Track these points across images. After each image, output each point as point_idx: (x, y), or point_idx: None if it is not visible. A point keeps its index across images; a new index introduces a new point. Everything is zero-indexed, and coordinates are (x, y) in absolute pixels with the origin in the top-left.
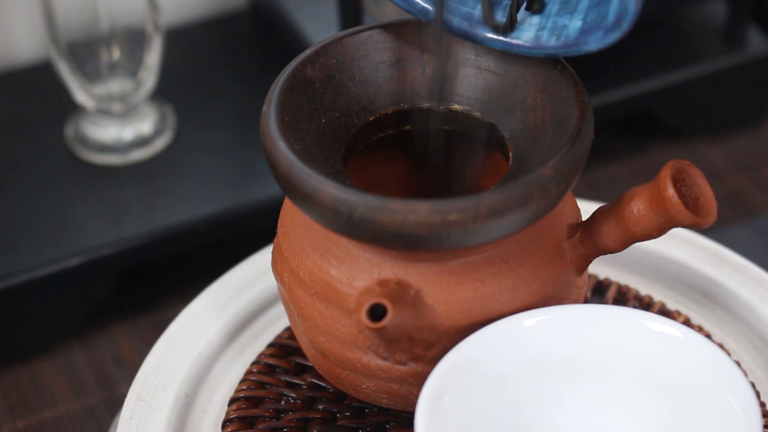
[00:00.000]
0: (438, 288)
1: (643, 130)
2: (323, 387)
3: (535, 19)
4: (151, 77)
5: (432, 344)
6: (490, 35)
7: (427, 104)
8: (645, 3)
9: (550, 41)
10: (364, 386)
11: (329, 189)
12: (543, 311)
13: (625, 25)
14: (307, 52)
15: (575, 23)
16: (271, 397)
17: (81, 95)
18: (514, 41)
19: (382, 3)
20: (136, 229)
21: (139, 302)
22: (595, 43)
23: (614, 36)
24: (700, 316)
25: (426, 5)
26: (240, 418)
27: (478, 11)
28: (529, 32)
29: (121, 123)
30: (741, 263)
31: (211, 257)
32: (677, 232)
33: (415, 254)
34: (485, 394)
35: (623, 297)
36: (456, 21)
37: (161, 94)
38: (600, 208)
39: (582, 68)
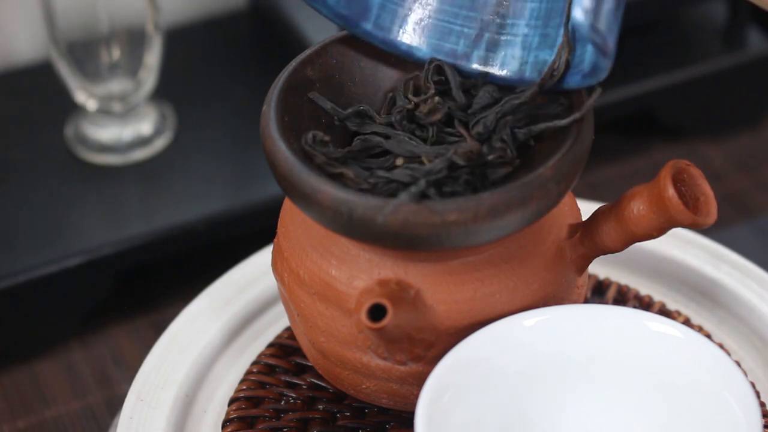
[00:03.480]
0: (438, 288)
1: (643, 130)
2: (323, 387)
3: (518, 52)
4: (151, 77)
5: (432, 344)
6: (476, 67)
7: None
8: (645, 3)
9: (533, 76)
10: (364, 386)
11: (329, 189)
12: (543, 311)
13: (601, 76)
14: (307, 52)
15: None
16: (271, 397)
17: (81, 95)
18: (500, 74)
19: None
20: (136, 229)
21: (139, 302)
22: (574, 84)
23: (591, 81)
24: (700, 316)
25: (411, 45)
26: (240, 418)
27: (461, 46)
28: (513, 66)
29: (121, 123)
30: (741, 263)
31: (211, 257)
32: (677, 232)
33: (415, 254)
34: (485, 394)
35: (623, 297)
36: (441, 57)
37: (161, 94)
38: (600, 208)
39: None
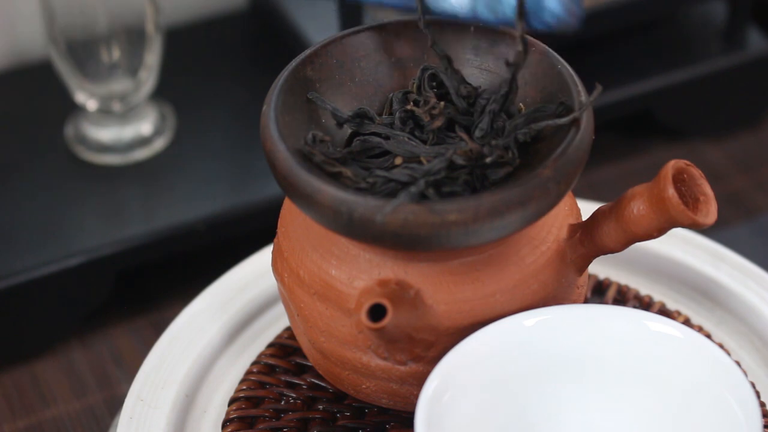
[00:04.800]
0: (438, 288)
1: (643, 130)
2: (323, 387)
3: None
4: (151, 77)
5: (432, 344)
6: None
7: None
8: (645, 3)
9: (488, 16)
10: (364, 386)
11: (329, 189)
12: (543, 311)
13: (567, 26)
14: (307, 52)
15: (508, 0)
16: (271, 397)
17: (81, 95)
18: (449, 8)
19: None
20: (136, 229)
21: (139, 302)
22: (535, 26)
23: (555, 28)
24: (700, 316)
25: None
26: (240, 418)
27: None
28: (463, 1)
29: (121, 123)
30: (741, 263)
31: (211, 257)
32: (677, 232)
33: (415, 254)
34: (485, 394)
35: (623, 297)
36: None
37: (161, 94)
38: (600, 208)
39: (582, 68)
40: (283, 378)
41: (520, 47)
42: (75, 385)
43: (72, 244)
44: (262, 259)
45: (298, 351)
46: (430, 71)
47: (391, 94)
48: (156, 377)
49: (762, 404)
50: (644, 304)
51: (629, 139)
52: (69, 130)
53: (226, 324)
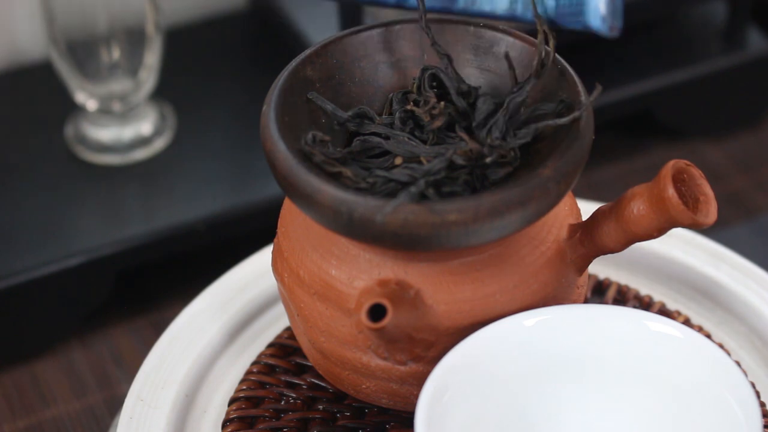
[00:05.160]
0: (438, 288)
1: (643, 130)
2: (323, 387)
3: None
4: (151, 77)
5: (432, 344)
6: (464, 7)
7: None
8: (645, 3)
9: (527, 15)
10: (364, 386)
11: (329, 189)
12: (543, 311)
13: (603, 33)
14: (307, 52)
15: (548, 1)
16: (271, 397)
17: (81, 95)
18: (491, 12)
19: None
20: (136, 229)
21: (139, 302)
22: (574, 27)
23: (593, 30)
24: (700, 316)
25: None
26: (240, 418)
27: None
28: (502, 3)
29: (121, 123)
30: (741, 263)
31: (211, 257)
32: (677, 232)
33: (415, 254)
34: (485, 394)
35: (623, 297)
36: (429, 3)
37: (161, 94)
38: (600, 208)
39: (582, 68)
40: (283, 378)
41: (550, 43)
42: (75, 385)
43: (72, 244)
44: (262, 259)
45: (298, 351)
46: (430, 71)
47: (391, 94)
48: (156, 377)
49: (762, 404)
50: (644, 304)
51: (629, 139)
52: (69, 130)
53: (226, 324)
